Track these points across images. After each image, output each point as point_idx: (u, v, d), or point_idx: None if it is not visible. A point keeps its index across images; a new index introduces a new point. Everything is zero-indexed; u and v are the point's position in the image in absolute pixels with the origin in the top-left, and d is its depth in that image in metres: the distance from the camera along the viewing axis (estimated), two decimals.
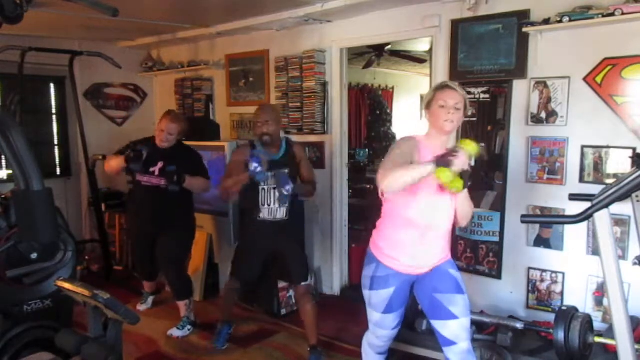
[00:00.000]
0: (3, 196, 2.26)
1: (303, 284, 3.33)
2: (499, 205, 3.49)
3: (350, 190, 4.91)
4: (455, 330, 2.30)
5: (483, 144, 2.13)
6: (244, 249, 3.44)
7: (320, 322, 3.41)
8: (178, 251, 3.79)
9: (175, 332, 3.75)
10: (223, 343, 3.54)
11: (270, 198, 3.24)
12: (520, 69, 3.31)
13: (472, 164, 2.13)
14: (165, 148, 3.63)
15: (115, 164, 3.64)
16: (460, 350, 2.30)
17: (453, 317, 2.30)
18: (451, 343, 2.31)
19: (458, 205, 2.35)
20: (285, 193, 3.16)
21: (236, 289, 3.51)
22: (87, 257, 5.15)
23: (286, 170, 3.23)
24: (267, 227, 3.28)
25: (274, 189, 3.22)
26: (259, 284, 3.97)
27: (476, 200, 3.47)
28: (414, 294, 2.49)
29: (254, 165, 3.08)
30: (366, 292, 2.44)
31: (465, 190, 2.22)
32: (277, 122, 3.32)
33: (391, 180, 2.12)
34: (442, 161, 2.02)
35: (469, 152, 2.06)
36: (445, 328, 2.32)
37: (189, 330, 3.79)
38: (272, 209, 3.25)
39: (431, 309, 2.38)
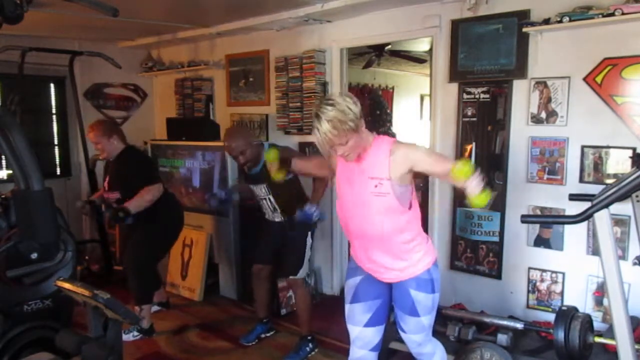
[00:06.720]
0: (3, 196, 2.27)
1: (291, 277, 3.40)
2: (499, 205, 3.49)
3: None
4: (404, 337, 2.41)
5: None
6: (257, 236, 3.68)
7: (320, 322, 3.40)
8: (136, 255, 3.65)
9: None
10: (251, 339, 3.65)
11: (264, 207, 3.49)
12: (520, 69, 3.31)
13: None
14: (113, 159, 3.62)
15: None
16: (409, 340, 2.41)
17: (402, 330, 2.40)
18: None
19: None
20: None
21: (263, 273, 3.61)
22: (87, 257, 5.14)
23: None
24: (270, 225, 3.52)
25: (263, 200, 3.43)
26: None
27: None
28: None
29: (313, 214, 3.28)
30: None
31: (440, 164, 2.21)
32: (247, 145, 3.28)
33: None
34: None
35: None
36: (400, 328, 2.42)
37: (134, 336, 3.66)
38: (268, 214, 3.50)
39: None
